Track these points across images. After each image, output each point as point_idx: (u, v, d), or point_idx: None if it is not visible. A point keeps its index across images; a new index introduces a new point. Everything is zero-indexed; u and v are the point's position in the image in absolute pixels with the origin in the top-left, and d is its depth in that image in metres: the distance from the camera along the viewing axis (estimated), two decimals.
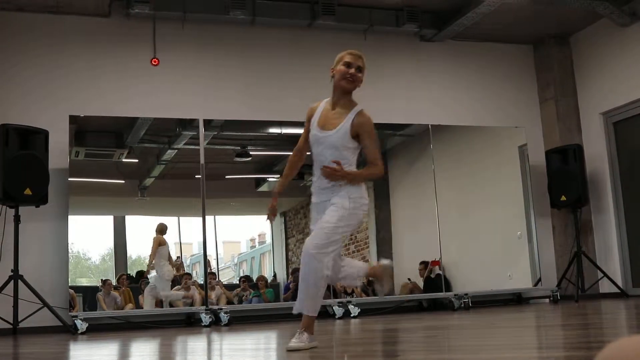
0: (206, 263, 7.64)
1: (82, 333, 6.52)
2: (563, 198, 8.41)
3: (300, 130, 8.55)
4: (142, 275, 7.76)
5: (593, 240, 8.95)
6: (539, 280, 8.66)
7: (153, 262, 7.64)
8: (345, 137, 3.79)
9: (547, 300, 8.53)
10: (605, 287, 8.57)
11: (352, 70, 3.85)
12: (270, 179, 8.75)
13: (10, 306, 6.52)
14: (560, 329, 4.57)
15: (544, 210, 8.86)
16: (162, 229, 7.70)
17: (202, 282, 7.62)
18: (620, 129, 8.81)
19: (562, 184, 8.43)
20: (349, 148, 3.81)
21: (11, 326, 6.53)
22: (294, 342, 3.56)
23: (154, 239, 7.64)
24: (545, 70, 9.34)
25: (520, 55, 9.49)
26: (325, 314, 7.73)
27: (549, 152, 8.78)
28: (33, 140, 6.83)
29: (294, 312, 3.75)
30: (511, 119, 9.14)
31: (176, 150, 8.00)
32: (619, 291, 8.31)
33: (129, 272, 7.76)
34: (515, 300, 8.71)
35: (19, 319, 6.55)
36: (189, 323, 7.33)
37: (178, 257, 7.93)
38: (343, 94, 3.89)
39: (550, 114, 9.21)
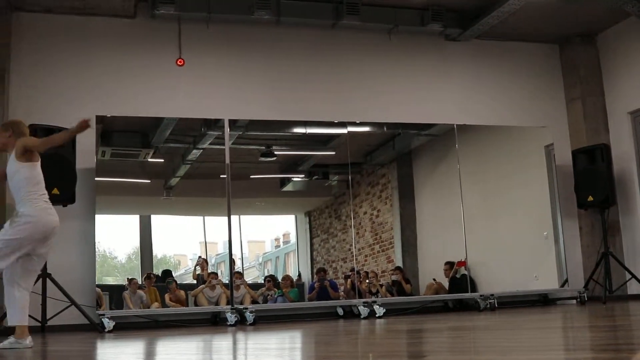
0: (231, 262, 7.67)
1: (109, 331, 6.58)
2: (590, 198, 8.33)
3: (323, 131, 8.58)
4: (168, 274, 7.81)
5: (621, 240, 8.85)
6: (566, 281, 8.59)
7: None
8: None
9: (574, 301, 8.45)
10: (633, 288, 8.47)
11: None
12: (294, 179, 8.77)
13: (39, 304, 6.61)
14: (587, 330, 4.53)
15: (570, 210, 8.78)
16: None
17: (227, 282, 7.66)
18: None
19: (589, 184, 8.35)
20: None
21: (40, 324, 6.62)
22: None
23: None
24: (571, 69, 9.26)
25: (546, 55, 9.42)
26: (350, 314, 7.73)
27: (576, 152, 8.70)
28: None
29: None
30: (537, 119, 9.07)
31: (201, 150, 8.04)
32: None
33: (154, 271, 7.81)
34: (542, 301, 8.64)
35: (47, 317, 6.64)
36: (215, 322, 7.37)
37: (200, 257, 7.96)
38: None
39: (577, 113, 9.12)
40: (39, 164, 4.94)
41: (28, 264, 4.84)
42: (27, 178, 4.82)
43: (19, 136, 4.91)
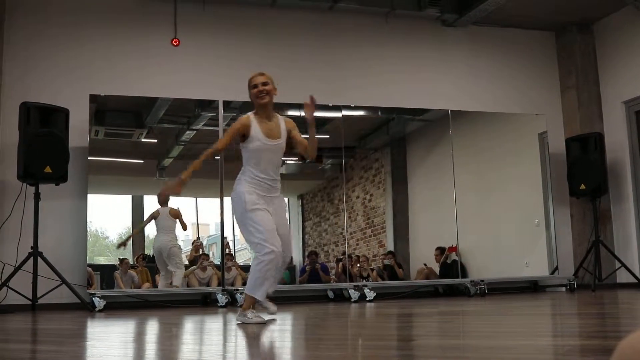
0: (223, 244, 7.67)
1: (100, 310, 6.59)
2: (582, 186, 8.35)
3: (317, 114, 8.53)
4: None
5: (611, 229, 8.89)
6: (556, 268, 8.63)
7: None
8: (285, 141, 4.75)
9: (563, 288, 8.50)
10: (622, 277, 8.52)
11: (260, 87, 4.69)
12: (288, 162, 8.76)
13: (30, 282, 6.61)
14: (576, 317, 4.56)
15: (562, 198, 8.81)
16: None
17: (218, 263, 7.67)
18: None
19: (581, 172, 8.37)
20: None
21: (30, 302, 6.62)
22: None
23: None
24: (567, 57, 9.25)
25: (542, 42, 9.41)
26: (340, 297, 7.76)
27: (569, 140, 8.71)
28: (54, 118, 6.88)
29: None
30: (532, 106, 9.08)
31: (195, 131, 8.02)
32: (636, 281, 8.26)
33: (146, 252, 7.82)
34: (532, 288, 8.68)
35: (38, 295, 6.64)
36: (205, 303, 7.39)
37: (198, 238, 7.98)
38: (264, 108, 4.71)
39: (572, 101, 9.13)
40: None
41: None
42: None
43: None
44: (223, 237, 7.64)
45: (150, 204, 8.02)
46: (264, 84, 4.70)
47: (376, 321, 4.44)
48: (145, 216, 7.86)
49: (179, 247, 7.78)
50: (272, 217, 4.63)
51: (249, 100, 8.10)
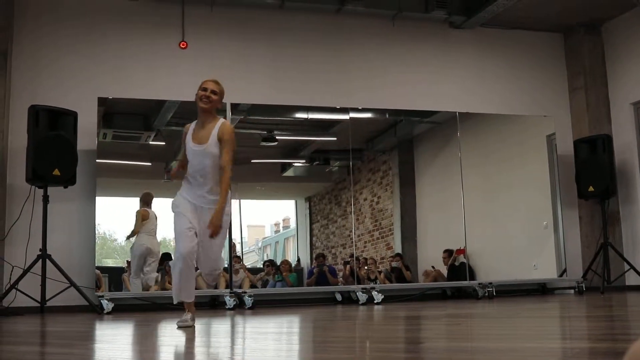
0: (231, 246, 7.68)
1: (108, 313, 6.60)
2: (591, 188, 8.33)
3: (325, 116, 8.57)
4: (167, 257, 7.81)
5: (620, 231, 8.85)
6: (564, 270, 8.60)
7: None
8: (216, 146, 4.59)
9: (572, 291, 8.47)
10: (631, 279, 8.49)
11: (208, 93, 4.59)
12: (295, 164, 8.76)
13: (38, 285, 6.63)
14: (585, 320, 4.54)
15: (571, 200, 8.78)
16: (147, 200, 7.71)
17: (226, 266, 7.67)
18: None
19: (590, 174, 8.35)
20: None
21: (39, 304, 6.64)
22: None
23: (137, 212, 7.65)
24: (575, 58, 9.23)
25: (550, 44, 9.39)
26: (348, 299, 7.75)
27: (578, 141, 8.69)
28: (62, 121, 6.91)
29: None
30: (540, 108, 9.06)
31: None
32: None
33: None
34: (540, 290, 8.66)
35: (47, 298, 6.66)
36: (213, 305, 7.39)
37: None
38: (202, 114, 4.63)
39: (580, 103, 9.10)
40: None
41: None
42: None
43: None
44: (231, 240, 7.64)
45: (159, 206, 8.03)
46: (213, 92, 4.63)
47: (384, 324, 4.43)
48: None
49: None
50: (197, 225, 4.58)
51: (257, 102, 8.20)
